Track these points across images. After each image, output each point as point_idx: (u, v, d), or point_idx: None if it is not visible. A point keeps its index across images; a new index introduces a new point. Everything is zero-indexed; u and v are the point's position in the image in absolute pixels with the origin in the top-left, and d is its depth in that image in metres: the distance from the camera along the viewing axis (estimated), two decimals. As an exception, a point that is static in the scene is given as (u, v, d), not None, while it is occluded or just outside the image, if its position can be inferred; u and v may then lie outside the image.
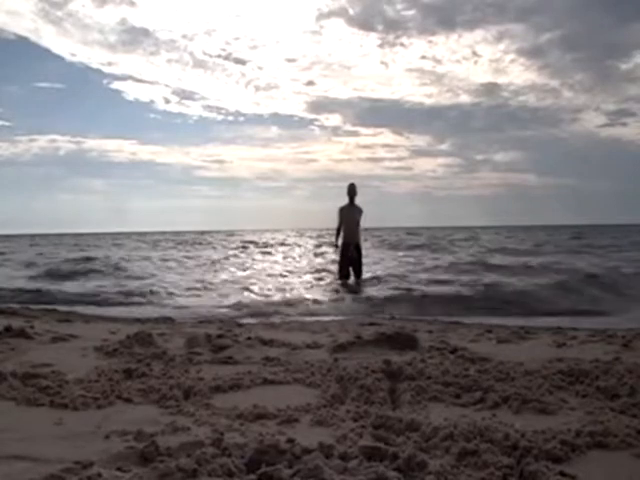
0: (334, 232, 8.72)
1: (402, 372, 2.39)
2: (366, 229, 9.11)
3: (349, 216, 8.58)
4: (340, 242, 8.71)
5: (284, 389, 2.33)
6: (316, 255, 17.39)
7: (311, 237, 37.78)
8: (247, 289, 8.50)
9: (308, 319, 5.52)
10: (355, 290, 8.02)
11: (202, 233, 64.33)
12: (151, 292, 8.05)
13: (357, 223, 8.65)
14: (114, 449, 1.54)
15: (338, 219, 8.60)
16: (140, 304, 7.14)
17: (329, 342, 3.37)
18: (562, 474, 1.38)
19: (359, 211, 8.68)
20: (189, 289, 8.52)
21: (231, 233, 66.88)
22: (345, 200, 8.65)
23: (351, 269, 8.71)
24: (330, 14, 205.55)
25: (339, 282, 8.60)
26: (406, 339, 3.21)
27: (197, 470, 1.33)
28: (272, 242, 30.43)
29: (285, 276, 10.76)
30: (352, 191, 8.59)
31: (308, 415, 1.92)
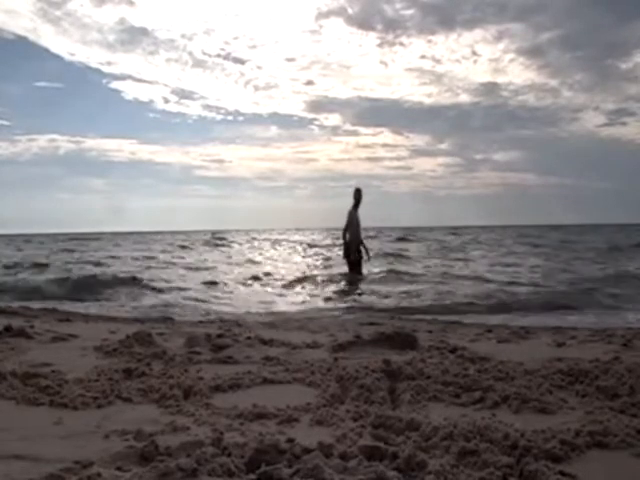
0: (350, 233, 9.14)
1: (402, 372, 2.39)
2: (367, 229, 9.32)
3: (357, 219, 9.14)
4: (348, 242, 9.25)
5: (284, 389, 2.33)
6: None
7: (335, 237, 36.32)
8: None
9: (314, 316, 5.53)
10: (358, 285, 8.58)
11: (214, 232, 61.76)
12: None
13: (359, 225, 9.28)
14: (114, 449, 1.54)
15: (350, 221, 9.07)
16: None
17: (329, 341, 3.37)
18: (562, 473, 1.38)
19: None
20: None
21: (245, 232, 65.29)
22: (350, 202, 9.16)
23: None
24: (329, 13, 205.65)
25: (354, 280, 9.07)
26: (406, 339, 3.21)
27: (197, 470, 1.33)
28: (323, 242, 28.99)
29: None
30: (360, 196, 9.18)
31: (308, 415, 1.92)
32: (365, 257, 9.34)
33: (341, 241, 9.38)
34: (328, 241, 28.24)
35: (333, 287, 8.62)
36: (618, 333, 3.87)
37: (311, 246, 24.89)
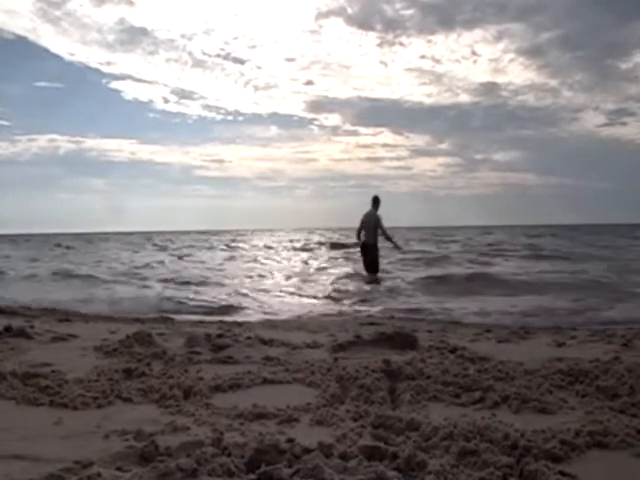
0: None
1: (402, 372, 2.39)
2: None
3: (375, 219, 9.31)
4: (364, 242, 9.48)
5: (284, 389, 2.33)
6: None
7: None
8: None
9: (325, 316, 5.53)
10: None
11: (228, 232, 58.82)
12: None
13: None
14: (114, 449, 1.54)
15: (366, 222, 9.28)
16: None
17: (329, 342, 3.37)
18: (562, 473, 1.38)
19: None
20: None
21: (250, 232, 63.18)
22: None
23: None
24: (329, 13, 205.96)
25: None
26: (406, 339, 3.21)
27: (197, 470, 1.33)
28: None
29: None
30: (378, 202, 9.35)
31: (308, 415, 1.92)
32: (397, 249, 9.81)
33: (355, 240, 9.65)
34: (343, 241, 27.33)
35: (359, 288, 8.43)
36: (618, 333, 3.87)
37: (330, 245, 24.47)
